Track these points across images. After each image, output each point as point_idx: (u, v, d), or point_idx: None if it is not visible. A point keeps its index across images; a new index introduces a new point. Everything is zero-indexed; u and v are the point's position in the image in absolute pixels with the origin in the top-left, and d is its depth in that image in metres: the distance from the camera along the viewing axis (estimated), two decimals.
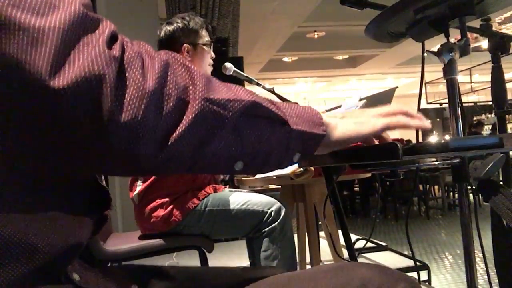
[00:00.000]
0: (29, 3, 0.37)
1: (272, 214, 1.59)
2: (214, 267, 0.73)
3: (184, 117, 0.43)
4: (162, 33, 1.71)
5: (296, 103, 0.56)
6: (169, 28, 1.70)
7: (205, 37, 1.73)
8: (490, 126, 10.03)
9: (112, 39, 0.41)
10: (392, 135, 0.64)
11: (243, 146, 0.47)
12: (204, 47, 1.72)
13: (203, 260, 1.66)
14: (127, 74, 0.40)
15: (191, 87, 0.44)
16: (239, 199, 1.62)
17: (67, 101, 0.37)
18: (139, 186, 1.64)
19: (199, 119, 0.43)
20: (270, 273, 0.61)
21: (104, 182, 0.57)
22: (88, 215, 0.50)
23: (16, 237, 0.40)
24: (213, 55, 1.77)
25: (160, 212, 1.58)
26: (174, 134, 0.42)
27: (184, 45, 1.68)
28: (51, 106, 0.37)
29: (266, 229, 1.58)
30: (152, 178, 1.61)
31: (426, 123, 0.59)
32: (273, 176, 1.78)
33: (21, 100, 0.37)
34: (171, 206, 1.58)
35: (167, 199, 1.59)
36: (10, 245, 0.40)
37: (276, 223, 1.59)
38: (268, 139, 0.49)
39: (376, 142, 0.63)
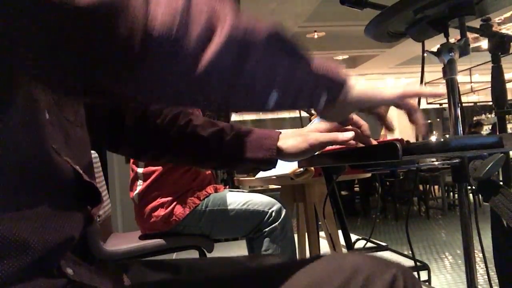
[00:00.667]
0: None
1: (273, 214, 1.60)
2: (212, 258, 0.73)
3: (216, 35, 0.42)
4: None
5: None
6: None
7: None
8: (490, 126, 10.04)
9: None
10: (392, 135, 0.64)
11: (275, 73, 0.47)
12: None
13: None
14: None
15: (219, 12, 0.43)
16: (240, 199, 1.62)
17: (98, 17, 0.36)
18: (140, 185, 1.64)
19: (229, 43, 0.42)
20: (269, 261, 0.61)
21: (104, 182, 0.57)
22: (77, 210, 0.50)
23: (7, 234, 0.41)
24: None
25: (161, 212, 1.58)
26: (209, 50, 0.41)
27: None
28: (81, 25, 0.36)
29: (266, 229, 1.59)
30: (153, 177, 1.61)
31: (440, 90, 0.60)
32: (273, 176, 1.79)
33: (48, 21, 0.36)
34: (172, 206, 1.58)
35: (167, 199, 1.59)
36: (2, 241, 0.40)
37: (276, 223, 1.59)
38: (296, 71, 0.49)
39: (375, 142, 0.63)
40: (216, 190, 1.67)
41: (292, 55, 0.50)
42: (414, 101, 0.61)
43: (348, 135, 0.68)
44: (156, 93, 0.44)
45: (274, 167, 0.75)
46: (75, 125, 0.56)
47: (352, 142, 0.70)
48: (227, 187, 1.86)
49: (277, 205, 1.63)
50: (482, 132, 8.65)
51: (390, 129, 0.64)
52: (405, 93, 0.59)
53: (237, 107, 0.52)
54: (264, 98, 0.48)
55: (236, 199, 1.62)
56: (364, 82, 0.58)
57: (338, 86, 0.55)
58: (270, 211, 1.60)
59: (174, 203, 1.59)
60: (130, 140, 0.76)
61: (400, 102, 0.60)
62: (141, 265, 0.63)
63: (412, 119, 0.61)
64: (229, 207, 1.60)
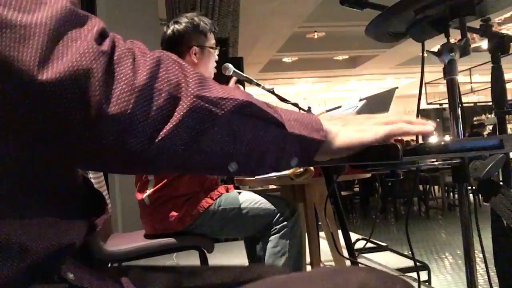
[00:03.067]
0: (16, 1, 0.38)
1: (285, 213, 1.60)
2: (212, 266, 0.73)
3: (175, 113, 0.42)
4: (170, 31, 1.68)
5: (296, 104, 0.56)
6: (178, 27, 1.67)
7: (211, 39, 1.72)
8: (492, 126, 10.04)
9: (101, 35, 0.41)
10: None
11: (235, 145, 0.47)
12: (211, 50, 1.71)
13: (203, 260, 1.66)
14: (117, 69, 0.40)
15: (183, 84, 0.44)
16: (252, 198, 1.63)
17: (55, 95, 0.37)
18: (150, 188, 1.64)
19: (190, 115, 0.43)
20: (270, 272, 0.61)
21: (104, 183, 0.57)
22: (81, 218, 0.50)
23: (7, 238, 0.41)
24: (217, 58, 1.76)
25: (174, 213, 1.58)
26: (165, 129, 0.42)
27: (193, 47, 1.67)
28: (40, 100, 0.37)
29: (277, 227, 1.59)
30: (165, 180, 1.61)
31: (429, 127, 0.58)
32: (273, 176, 1.79)
33: (11, 96, 0.37)
34: (185, 207, 1.58)
35: (180, 200, 1.59)
36: (3, 245, 0.41)
37: (287, 222, 1.60)
38: (262, 139, 0.49)
39: None
40: (227, 190, 1.68)
41: (263, 123, 0.49)
42: (412, 110, 0.59)
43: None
44: (104, 168, 0.46)
45: None
46: None
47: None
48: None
49: (290, 205, 1.64)
50: (485, 133, 8.65)
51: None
52: (391, 133, 0.57)
53: (193, 172, 0.53)
54: (221, 169, 0.48)
55: (249, 198, 1.63)
56: (347, 128, 0.57)
57: (312, 147, 0.53)
58: (282, 210, 1.61)
59: (187, 203, 1.59)
60: None
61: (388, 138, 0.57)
62: (142, 270, 0.63)
63: (414, 135, 0.60)
64: (241, 206, 1.61)
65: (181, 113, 0.42)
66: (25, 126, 0.39)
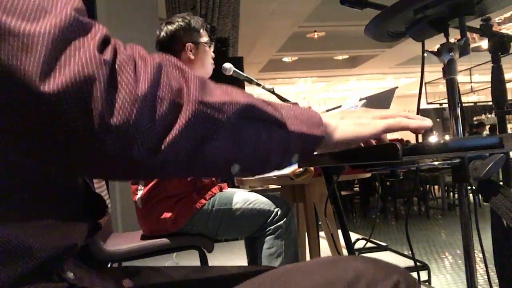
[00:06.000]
0: (20, 9, 0.37)
1: (279, 213, 1.60)
2: (212, 266, 0.73)
3: (178, 120, 0.42)
4: (163, 33, 1.70)
5: (296, 104, 0.56)
6: (171, 27, 1.69)
7: (205, 36, 1.74)
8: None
9: (104, 43, 0.41)
10: (392, 135, 0.64)
11: (240, 148, 0.47)
12: (206, 46, 1.73)
13: (203, 260, 1.66)
14: (118, 78, 0.40)
15: (185, 90, 0.44)
16: (246, 198, 1.62)
17: (58, 105, 0.37)
18: (141, 190, 1.64)
19: (193, 122, 0.43)
20: (269, 271, 0.61)
21: (104, 183, 0.58)
22: (82, 220, 0.51)
23: (11, 240, 0.41)
24: (213, 54, 1.77)
25: (167, 215, 1.58)
26: (168, 137, 0.42)
27: (187, 44, 1.68)
28: (43, 111, 0.37)
29: (271, 228, 1.59)
30: (154, 181, 1.61)
31: (427, 123, 0.58)
32: (273, 176, 1.78)
33: (14, 106, 0.37)
34: (178, 207, 1.58)
35: (172, 201, 1.59)
36: (6, 247, 0.41)
37: (281, 222, 1.59)
38: (265, 141, 0.49)
39: (374, 142, 0.63)
40: (221, 189, 1.67)
41: (266, 125, 0.49)
42: (411, 110, 0.60)
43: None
44: (106, 177, 0.47)
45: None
46: None
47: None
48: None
49: (284, 205, 1.63)
50: (484, 133, 8.65)
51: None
52: (389, 127, 0.57)
53: (201, 176, 0.53)
54: (226, 172, 0.48)
55: (242, 198, 1.62)
56: (346, 122, 0.57)
57: (312, 143, 0.53)
58: (276, 210, 1.60)
59: (180, 204, 1.59)
60: None
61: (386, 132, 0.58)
62: (142, 270, 0.63)
63: (412, 129, 0.59)
64: (235, 206, 1.60)
65: (184, 121, 0.42)
66: (27, 136, 0.39)
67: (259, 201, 1.61)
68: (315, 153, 0.56)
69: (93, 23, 0.42)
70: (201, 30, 1.72)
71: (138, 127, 0.40)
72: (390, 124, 0.57)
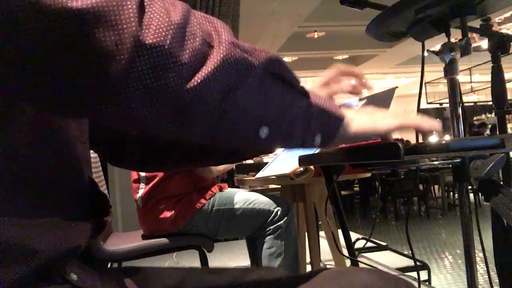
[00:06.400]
0: None
1: (279, 213, 1.60)
2: (214, 268, 0.73)
3: (210, 58, 0.40)
4: None
5: None
6: None
7: None
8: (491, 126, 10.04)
9: None
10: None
11: (268, 106, 0.45)
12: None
13: (203, 260, 1.66)
14: (150, 7, 0.38)
15: (214, 34, 0.42)
16: (246, 197, 1.62)
17: (88, 23, 0.35)
18: (142, 189, 1.64)
19: (226, 61, 0.41)
20: (271, 274, 0.61)
21: (104, 183, 0.57)
22: (87, 220, 0.50)
23: (15, 241, 0.41)
24: None
25: (167, 214, 1.58)
26: (202, 71, 0.39)
27: None
28: (72, 29, 0.35)
29: (271, 227, 1.59)
30: (155, 180, 1.61)
31: (437, 125, 0.59)
32: (273, 176, 1.78)
33: (38, 27, 0.35)
34: (178, 207, 1.58)
35: (172, 200, 1.59)
36: (9, 248, 0.41)
37: (281, 222, 1.59)
38: (290, 106, 0.47)
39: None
40: (221, 189, 1.67)
41: (289, 88, 0.47)
42: (412, 110, 0.60)
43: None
44: (137, 118, 0.40)
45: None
46: (79, 141, 0.55)
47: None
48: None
49: (284, 204, 1.63)
50: (485, 133, 8.66)
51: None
52: (403, 124, 0.57)
53: (221, 141, 0.47)
54: (252, 134, 0.45)
55: (242, 198, 1.62)
56: (361, 115, 0.56)
57: (334, 123, 0.52)
58: (276, 210, 1.60)
59: (180, 204, 1.59)
60: (133, 151, 0.72)
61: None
62: (143, 271, 0.63)
63: (424, 130, 0.59)
64: (235, 206, 1.60)
65: (218, 58, 0.40)
66: (53, 58, 0.36)
67: (259, 201, 1.62)
68: (333, 145, 0.55)
69: None
70: None
71: (172, 51, 0.38)
72: (404, 122, 0.57)
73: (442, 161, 0.85)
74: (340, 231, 1.82)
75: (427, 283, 2.64)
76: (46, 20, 0.35)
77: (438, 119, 0.60)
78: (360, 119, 0.55)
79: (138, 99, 0.38)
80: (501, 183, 0.83)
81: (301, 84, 0.49)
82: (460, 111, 0.80)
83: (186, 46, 0.39)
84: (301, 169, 1.61)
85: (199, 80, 0.39)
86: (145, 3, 0.39)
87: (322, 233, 2.27)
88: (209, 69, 0.39)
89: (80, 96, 0.38)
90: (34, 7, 0.34)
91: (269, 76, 0.45)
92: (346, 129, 0.54)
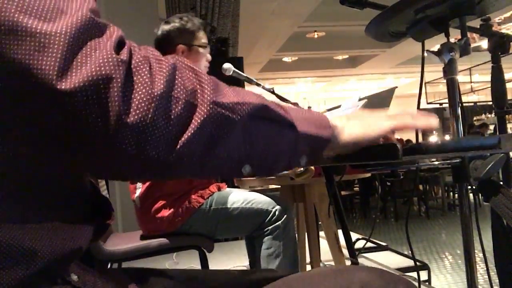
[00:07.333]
0: (37, 9, 0.38)
1: (277, 213, 1.60)
2: (214, 270, 0.73)
3: (193, 120, 0.43)
4: (159, 32, 1.71)
5: (296, 103, 0.56)
6: (166, 27, 1.70)
7: (201, 38, 1.73)
8: (493, 126, 10.02)
9: (119, 44, 0.41)
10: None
11: (251, 149, 0.47)
12: (200, 49, 1.71)
13: (203, 260, 1.66)
14: (135, 78, 0.41)
15: (199, 91, 0.44)
16: (244, 197, 1.62)
17: (75, 104, 0.37)
18: (139, 188, 1.64)
19: (207, 122, 0.43)
20: (270, 276, 0.61)
21: (104, 183, 0.58)
22: (88, 223, 0.50)
23: (15, 243, 0.41)
24: (209, 57, 1.76)
25: (165, 213, 1.57)
26: (183, 136, 0.42)
27: (179, 45, 1.68)
28: (60, 109, 0.37)
29: (269, 228, 1.58)
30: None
31: (433, 122, 0.58)
32: (273, 176, 1.78)
33: (30, 105, 0.38)
34: (175, 206, 1.58)
35: (170, 199, 1.58)
36: (10, 250, 0.41)
37: (279, 222, 1.59)
38: (276, 142, 0.49)
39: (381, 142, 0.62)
40: (219, 189, 1.67)
41: (275, 125, 0.49)
42: (412, 109, 0.60)
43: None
44: (120, 177, 0.46)
45: None
46: None
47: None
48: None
49: (281, 204, 1.63)
50: (486, 133, 8.66)
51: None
52: (396, 126, 0.57)
53: (207, 178, 0.52)
54: (235, 172, 0.48)
55: (240, 197, 1.62)
56: (352, 122, 0.57)
57: (321, 143, 0.54)
58: (273, 210, 1.60)
59: (178, 202, 1.58)
60: None
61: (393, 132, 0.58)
62: (144, 272, 0.63)
63: (418, 129, 0.59)
64: (233, 206, 1.60)
65: (199, 121, 0.43)
66: (43, 134, 0.39)
67: (257, 200, 1.61)
68: (324, 155, 0.57)
69: (109, 24, 0.42)
70: (197, 32, 1.72)
71: (154, 126, 0.40)
72: (396, 124, 0.57)
73: (441, 161, 0.85)
74: (340, 231, 1.83)
75: (427, 283, 2.64)
76: (36, 102, 0.38)
77: (438, 119, 0.59)
78: (351, 127, 0.57)
79: (122, 166, 0.42)
80: (501, 183, 0.83)
81: (288, 115, 0.51)
82: (459, 111, 0.80)
83: (169, 113, 0.41)
84: (301, 169, 1.61)
85: (181, 144, 0.42)
86: (132, 72, 0.41)
87: (322, 233, 2.27)
88: (190, 133, 0.42)
89: (70, 157, 0.42)
90: (25, 90, 0.37)
91: (253, 122, 0.47)
92: (337, 140, 0.55)
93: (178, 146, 0.42)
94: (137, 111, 0.39)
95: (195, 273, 0.69)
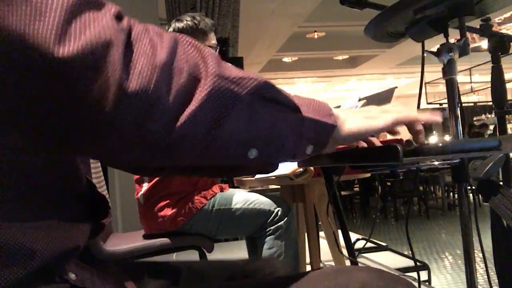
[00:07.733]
0: None
1: (279, 213, 1.60)
2: (213, 261, 0.72)
3: (196, 93, 0.41)
4: (171, 29, 1.71)
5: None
6: (179, 25, 1.70)
7: (212, 39, 1.74)
8: (493, 127, 10.02)
9: (118, 17, 0.40)
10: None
11: (256, 129, 0.45)
12: (210, 49, 1.72)
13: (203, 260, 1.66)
14: (136, 46, 0.39)
15: (202, 65, 0.42)
16: (246, 198, 1.63)
17: (74, 70, 0.35)
18: (145, 186, 1.64)
19: (212, 96, 0.41)
20: (269, 266, 0.61)
21: (104, 183, 0.57)
22: (85, 221, 0.50)
23: (13, 243, 0.41)
24: None
25: (167, 212, 1.58)
26: (187, 110, 0.40)
27: None
28: (57, 77, 0.35)
29: (271, 228, 1.59)
30: (158, 178, 1.61)
31: (436, 116, 0.58)
32: (273, 176, 1.78)
33: (26, 73, 0.36)
34: (178, 206, 1.58)
35: (173, 199, 1.59)
36: (8, 249, 0.41)
37: (282, 222, 1.60)
38: (280, 124, 0.47)
39: (378, 141, 0.62)
40: (222, 190, 1.67)
41: (280, 107, 0.48)
42: (411, 114, 0.58)
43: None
44: (123, 158, 0.43)
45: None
46: None
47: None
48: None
49: (284, 204, 1.63)
50: (486, 134, 8.66)
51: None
52: (398, 120, 0.56)
53: (210, 163, 0.48)
54: (241, 156, 0.46)
55: (243, 198, 1.63)
56: (354, 115, 0.56)
57: (326, 131, 0.52)
58: (276, 210, 1.60)
59: (181, 202, 1.59)
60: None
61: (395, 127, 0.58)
62: (144, 267, 0.63)
63: (421, 123, 0.59)
64: (235, 206, 1.60)
65: (203, 94, 0.41)
66: (40, 107, 0.37)
67: (259, 201, 1.62)
68: (327, 150, 0.55)
69: (106, 2, 0.40)
70: (209, 33, 1.73)
71: (156, 96, 0.38)
72: (399, 117, 0.56)
73: (441, 162, 0.85)
74: (340, 231, 1.83)
75: (427, 283, 2.64)
76: (32, 71, 0.35)
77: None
78: (354, 120, 0.55)
79: (122, 145, 0.40)
80: (501, 183, 0.83)
81: (292, 98, 0.49)
82: (459, 111, 0.80)
83: (172, 85, 0.39)
84: (301, 169, 1.61)
85: (184, 119, 0.40)
86: (132, 41, 0.39)
87: (322, 233, 2.27)
88: (194, 107, 0.40)
89: (65, 137, 0.39)
90: (20, 59, 0.35)
91: (258, 100, 0.45)
92: (339, 131, 0.54)
93: (182, 120, 0.39)
94: (138, 79, 0.37)
95: (193, 265, 0.68)
